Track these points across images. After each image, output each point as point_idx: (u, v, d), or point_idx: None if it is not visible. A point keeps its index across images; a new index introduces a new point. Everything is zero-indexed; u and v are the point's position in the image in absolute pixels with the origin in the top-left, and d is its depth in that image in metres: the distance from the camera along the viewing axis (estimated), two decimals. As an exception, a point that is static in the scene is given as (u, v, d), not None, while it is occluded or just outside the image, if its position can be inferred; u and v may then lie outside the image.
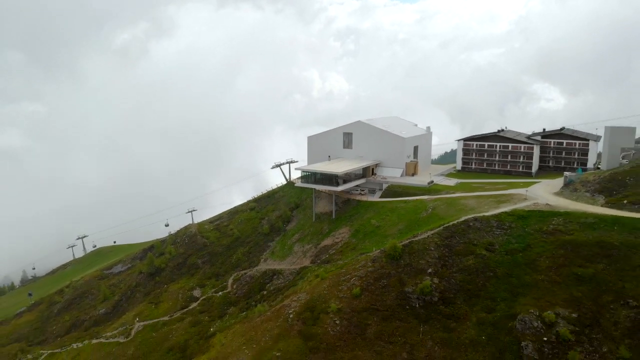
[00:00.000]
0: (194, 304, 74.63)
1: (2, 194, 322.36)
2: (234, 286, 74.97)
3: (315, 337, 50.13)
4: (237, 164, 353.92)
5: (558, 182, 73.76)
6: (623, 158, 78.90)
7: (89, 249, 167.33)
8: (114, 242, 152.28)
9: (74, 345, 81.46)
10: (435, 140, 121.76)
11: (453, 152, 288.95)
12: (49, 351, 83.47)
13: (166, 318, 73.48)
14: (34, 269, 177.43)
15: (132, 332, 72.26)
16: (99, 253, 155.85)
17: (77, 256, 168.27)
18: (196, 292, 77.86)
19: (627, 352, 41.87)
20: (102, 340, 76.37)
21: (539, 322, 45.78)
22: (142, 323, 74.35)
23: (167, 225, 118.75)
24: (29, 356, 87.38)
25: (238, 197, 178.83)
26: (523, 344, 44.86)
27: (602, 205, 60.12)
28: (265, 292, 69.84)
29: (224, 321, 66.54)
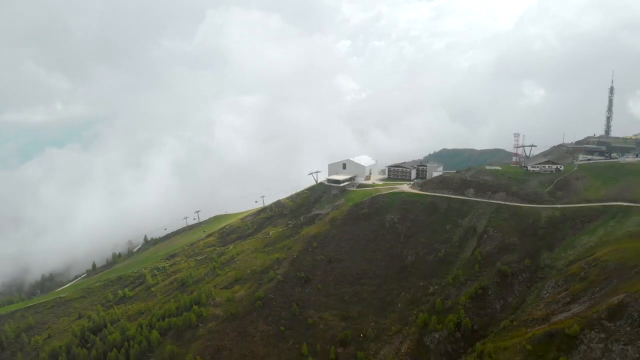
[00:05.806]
0: (290, 225, 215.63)
1: (120, 186, 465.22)
2: (303, 219, 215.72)
3: (334, 224, 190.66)
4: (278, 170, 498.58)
5: (413, 182, 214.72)
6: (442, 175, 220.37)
7: (202, 218, 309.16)
8: (226, 211, 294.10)
9: (242, 242, 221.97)
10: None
11: (434, 154, 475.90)
12: (233, 245, 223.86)
13: (281, 230, 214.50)
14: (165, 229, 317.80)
15: (270, 233, 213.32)
16: (217, 218, 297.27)
17: (189, 223, 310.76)
18: (289, 222, 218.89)
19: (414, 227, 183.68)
20: (257, 238, 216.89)
21: (391, 218, 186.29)
22: (272, 231, 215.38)
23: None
24: (229, 246, 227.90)
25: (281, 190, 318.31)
26: (386, 222, 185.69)
27: (418, 191, 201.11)
28: (317, 219, 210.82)
29: (303, 229, 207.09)
